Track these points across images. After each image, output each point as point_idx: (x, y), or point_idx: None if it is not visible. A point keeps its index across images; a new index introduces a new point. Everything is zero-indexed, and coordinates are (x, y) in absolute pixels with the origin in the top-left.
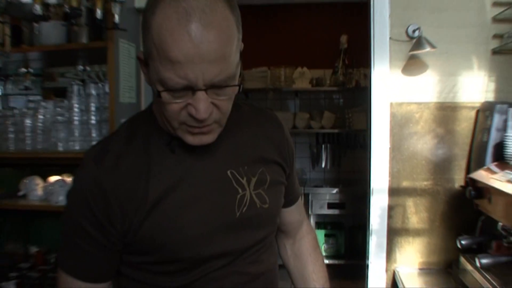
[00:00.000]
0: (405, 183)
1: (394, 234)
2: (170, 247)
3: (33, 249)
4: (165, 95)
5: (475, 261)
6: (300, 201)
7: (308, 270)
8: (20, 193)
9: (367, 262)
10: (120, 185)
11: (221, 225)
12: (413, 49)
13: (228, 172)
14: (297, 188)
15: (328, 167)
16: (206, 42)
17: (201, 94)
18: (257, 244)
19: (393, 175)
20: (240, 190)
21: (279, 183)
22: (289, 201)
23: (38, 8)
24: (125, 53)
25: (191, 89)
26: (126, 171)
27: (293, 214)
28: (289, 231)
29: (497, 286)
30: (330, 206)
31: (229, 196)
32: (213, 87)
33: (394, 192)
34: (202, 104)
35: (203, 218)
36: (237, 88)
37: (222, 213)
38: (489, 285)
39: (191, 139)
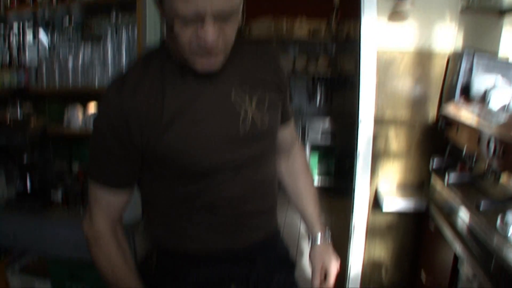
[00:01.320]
0: (387, 115)
1: (377, 157)
2: (184, 158)
3: (76, 166)
4: (178, 24)
5: (444, 178)
6: (293, 123)
7: (300, 184)
8: (65, 122)
9: (354, 180)
10: (138, 109)
11: (228, 140)
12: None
13: (232, 94)
14: (290, 109)
15: (322, 102)
16: None
17: (209, 22)
18: (259, 156)
19: (378, 108)
20: (243, 110)
21: (276, 101)
22: (283, 118)
23: None
24: (151, 3)
25: (200, 17)
26: (143, 97)
27: (286, 133)
28: (283, 150)
29: (459, 200)
30: (323, 133)
31: (234, 115)
32: (219, 16)
33: (378, 122)
34: (210, 30)
35: (212, 134)
36: (239, 18)
37: (228, 130)
38: (452, 200)
39: (200, 65)
